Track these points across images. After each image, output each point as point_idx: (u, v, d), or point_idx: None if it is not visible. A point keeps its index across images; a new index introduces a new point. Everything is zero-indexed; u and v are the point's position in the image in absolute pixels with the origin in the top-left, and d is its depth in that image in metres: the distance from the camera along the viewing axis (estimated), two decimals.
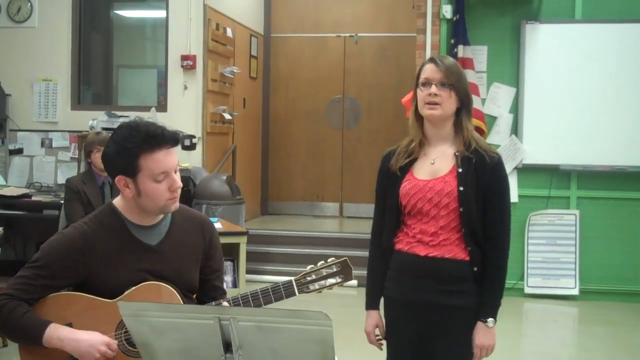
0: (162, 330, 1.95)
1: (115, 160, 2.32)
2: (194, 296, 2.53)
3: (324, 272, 2.41)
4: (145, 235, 2.39)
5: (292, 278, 2.40)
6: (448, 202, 2.57)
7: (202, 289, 2.52)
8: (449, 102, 2.59)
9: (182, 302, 2.35)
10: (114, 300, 2.30)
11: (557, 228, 7.02)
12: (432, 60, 2.64)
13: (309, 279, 2.39)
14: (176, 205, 2.36)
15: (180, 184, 2.33)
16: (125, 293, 2.32)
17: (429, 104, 2.59)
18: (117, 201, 2.42)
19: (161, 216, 2.43)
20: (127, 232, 2.37)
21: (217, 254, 2.56)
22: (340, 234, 8.55)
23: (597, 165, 6.89)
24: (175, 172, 2.33)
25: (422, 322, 2.62)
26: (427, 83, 2.60)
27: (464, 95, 2.61)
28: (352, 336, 5.11)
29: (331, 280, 2.41)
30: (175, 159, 2.33)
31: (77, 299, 2.33)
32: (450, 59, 2.67)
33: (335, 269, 2.41)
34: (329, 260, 2.44)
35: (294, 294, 2.40)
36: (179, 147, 2.57)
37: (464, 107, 2.63)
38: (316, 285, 2.39)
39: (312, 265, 2.43)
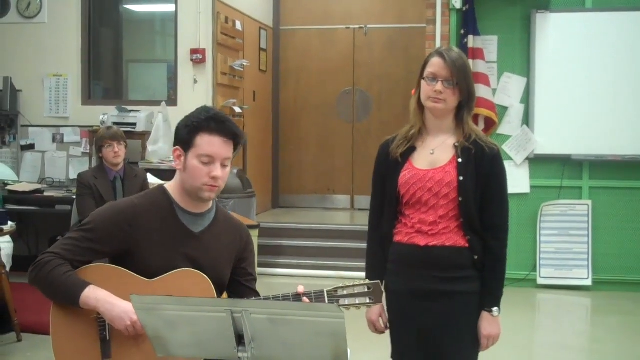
0: (175, 323, 1.96)
1: (180, 131, 2.43)
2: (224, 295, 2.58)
3: (356, 290, 2.44)
4: (189, 221, 2.48)
5: (325, 289, 2.42)
6: (448, 192, 2.59)
7: (236, 291, 2.58)
8: (451, 99, 2.61)
9: (215, 297, 2.41)
10: (153, 279, 2.38)
11: (570, 218, 6.99)
12: (439, 54, 2.63)
13: (340, 293, 2.42)
14: (210, 194, 2.42)
15: (219, 174, 2.39)
16: (164, 275, 2.38)
17: (432, 98, 2.61)
18: (169, 185, 2.52)
19: (207, 207, 2.51)
20: (173, 214, 2.46)
21: (251, 258, 2.64)
22: (351, 226, 8.54)
23: (610, 155, 6.85)
24: (223, 165, 2.40)
25: (426, 312, 2.62)
26: (433, 78, 2.61)
27: (466, 92, 2.62)
28: (364, 329, 5.12)
29: (361, 300, 2.44)
30: (228, 153, 2.41)
31: (117, 273, 2.39)
32: (456, 53, 2.65)
33: (366, 290, 2.44)
34: (362, 280, 2.46)
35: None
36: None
37: (465, 103, 2.64)
38: (346, 301, 2.42)
39: (346, 282, 2.46)
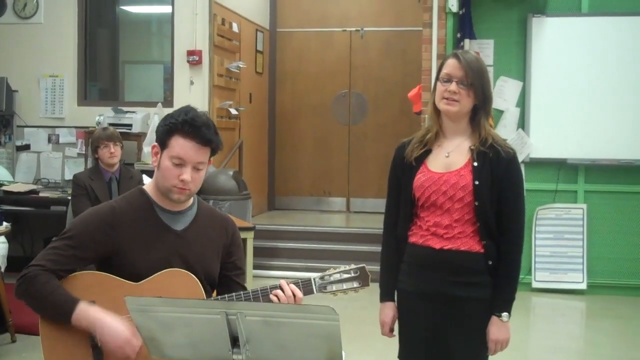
0: (169, 325, 1.96)
1: (159, 129, 2.43)
2: (214, 292, 2.57)
3: (343, 276, 2.46)
4: (171, 220, 2.46)
5: (312, 277, 2.44)
6: (463, 196, 2.58)
7: (226, 286, 2.56)
8: (466, 100, 2.60)
9: (203, 293, 2.40)
10: (139, 282, 2.36)
11: (565, 222, 7.00)
12: (455, 56, 2.64)
13: (327, 279, 2.43)
14: (180, 197, 2.40)
15: (188, 178, 2.35)
16: (150, 277, 2.37)
17: (446, 99, 2.60)
18: (147, 185, 2.52)
19: (188, 204, 2.50)
20: (154, 214, 2.45)
21: (239, 252, 2.62)
22: (347, 229, 8.54)
23: (605, 159, 6.87)
24: (197, 169, 2.37)
25: (437, 315, 2.62)
26: (448, 79, 2.60)
27: (481, 94, 2.61)
28: (358, 330, 5.12)
29: (349, 285, 2.46)
30: (200, 157, 2.37)
31: (104, 279, 2.38)
32: (472, 56, 2.66)
33: (353, 274, 2.46)
34: (348, 265, 2.48)
35: (312, 292, 2.44)
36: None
37: (481, 106, 2.63)
38: (334, 287, 2.44)
39: (333, 268, 2.48)
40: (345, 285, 2.45)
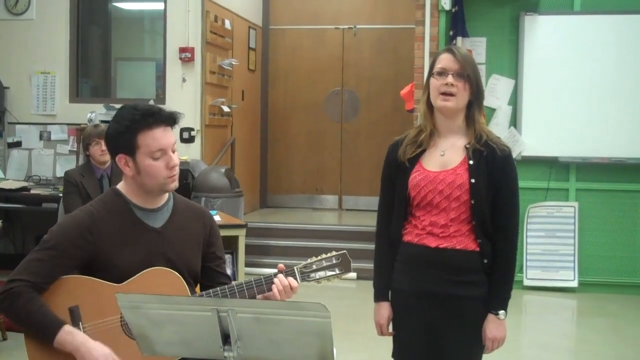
0: (160, 322, 1.95)
1: (116, 139, 2.39)
2: (197, 286, 2.57)
3: (325, 263, 2.47)
4: (149, 218, 2.46)
5: (295, 266, 2.46)
6: (459, 195, 2.56)
7: (209, 276, 2.57)
8: (462, 94, 2.58)
9: (187, 290, 2.40)
10: (122, 284, 2.35)
11: (556, 220, 7.02)
12: (449, 50, 2.63)
13: (309, 269, 2.44)
14: (175, 184, 2.43)
15: (177, 161, 2.40)
16: (133, 278, 2.36)
17: (443, 94, 2.58)
18: (121, 185, 2.49)
19: (164, 200, 2.50)
20: (131, 215, 2.44)
21: (219, 242, 2.63)
22: (339, 226, 8.54)
23: (596, 157, 6.89)
24: (173, 151, 2.40)
25: (432, 313, 2.61)
26: (443, 73, 2.58)
27: (476, 88, 2.61)
28: (350, 328, 5.13)
29: (331, 272, 2.48)
30: (173, 138, 2.41)
31: (86, 283, 2.37)
32: (464, 50, 2.67)
33: (335, 261, 2.48)
34: (329, 253, 2.49)
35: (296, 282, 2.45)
36: (178, 139, 2.60)
37: (475, 100, 2.62)
38: (316, 276, 2.46)
39: (314, 257, 2.49)
40: (328, 273, 2.47)
